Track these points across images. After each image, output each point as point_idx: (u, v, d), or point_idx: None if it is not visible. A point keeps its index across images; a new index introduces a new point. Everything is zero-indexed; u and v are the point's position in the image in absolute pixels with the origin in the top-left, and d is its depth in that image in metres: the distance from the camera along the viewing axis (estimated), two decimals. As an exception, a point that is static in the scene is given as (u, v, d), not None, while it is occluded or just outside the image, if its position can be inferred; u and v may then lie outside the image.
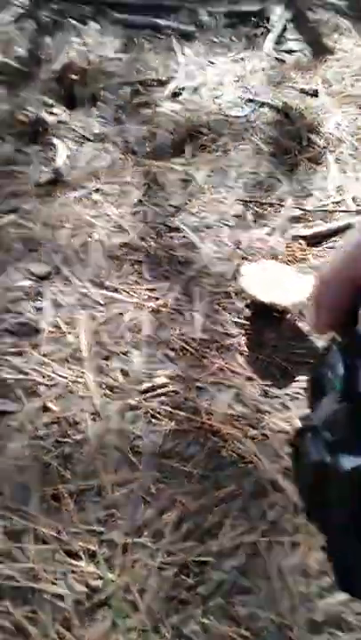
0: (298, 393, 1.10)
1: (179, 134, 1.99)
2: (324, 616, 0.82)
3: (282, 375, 1.14)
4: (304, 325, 1.23)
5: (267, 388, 1.12)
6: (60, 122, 1.95)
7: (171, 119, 2.07)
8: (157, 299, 1.37)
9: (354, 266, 0.20)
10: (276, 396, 1.11)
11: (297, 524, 0.91)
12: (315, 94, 2.01)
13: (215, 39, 2.54)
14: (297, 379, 1.12)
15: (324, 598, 0.83)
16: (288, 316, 1.25)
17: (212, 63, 2.39)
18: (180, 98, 2.20)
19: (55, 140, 1.84)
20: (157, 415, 1.13)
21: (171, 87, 2.26)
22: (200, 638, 0.83)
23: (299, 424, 0.21)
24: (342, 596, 0.83)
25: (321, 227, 1.43)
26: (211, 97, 2.16)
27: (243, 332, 1.24)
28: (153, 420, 1.13)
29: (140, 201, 1.65)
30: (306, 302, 1.25)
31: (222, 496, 0.97)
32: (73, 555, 0.93)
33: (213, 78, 2.27)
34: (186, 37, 2.54)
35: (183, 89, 2.20)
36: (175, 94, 2.26)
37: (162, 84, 2.31)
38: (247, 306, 1.29)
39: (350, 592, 0.19)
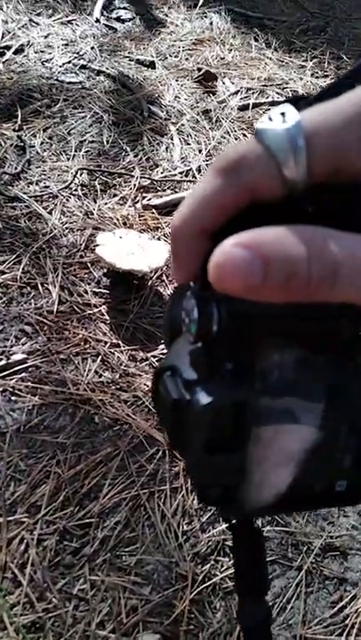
0: (165, 354, 1.27)
1: (5, 97, 2.03)
2: (207, 547, 0.99)
3: (148, 339, 1.30)
4: (165, 290, 1.41)
5: (134, 353, 1.27)
6: None
7: (-6, 80, 2.10)
8: (3, 272, 1.42)
9: (201, 214, 0.22)
10: (144, 359, 1.26)
11: (175, 471, 1.08)
12: (151, 66, 2.22)
13: (36, -3, 2.62)
14: (163, 341, 1.29)
15: (206, 532, 1.01)
16: (148, 282, 1.41)
17: (36, 24, 2.46)
18: (3, 58, 2.23)
19: None
20: (18, 392, 1.20)
21: (-10, 45, 2.28)
22: (90, 594, 0.94)
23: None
24: (222, 526, 1.02)
25: (171, 196, 1.62)
26: (39, 60, 2.24)
27: (103, 301, 1.37)
28: (13, 398, 1.19)
29: (-32, 168, 1.67)
30: (164, 268, 1.43)
31: (100, 459, 1.09)
32: None
33: (39, 40, 2.35)
34: (1, -9, 2.57)
35: (7, 48, 2.24)
36: (-3, 53, 2.29)
37: (-22, 39, 2.31)
38: (106, 275, 1.42)
39: (207, 502, 0.26)
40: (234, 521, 0.29)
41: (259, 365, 0.23)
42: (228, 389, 0.23)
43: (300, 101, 0.23)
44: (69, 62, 2.22)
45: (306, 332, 0.23)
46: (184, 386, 0.24)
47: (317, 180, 0.21)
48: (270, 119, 0.22)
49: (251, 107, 2.04)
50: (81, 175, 1.69)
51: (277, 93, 2.14)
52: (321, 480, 0.26)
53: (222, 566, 0.97)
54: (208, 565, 0.97)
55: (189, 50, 2.37)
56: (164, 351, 1.29)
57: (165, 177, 1.71)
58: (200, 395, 0.23)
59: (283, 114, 0.22)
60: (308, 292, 0.19)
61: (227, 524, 0.29)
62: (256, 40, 2.48)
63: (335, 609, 0.94)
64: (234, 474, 0.24)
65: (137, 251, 1.38)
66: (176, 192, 1.66)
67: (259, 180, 0.21)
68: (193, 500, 1.04)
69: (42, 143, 1.81)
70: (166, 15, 2.62)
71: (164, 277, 1.43)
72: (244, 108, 2.05)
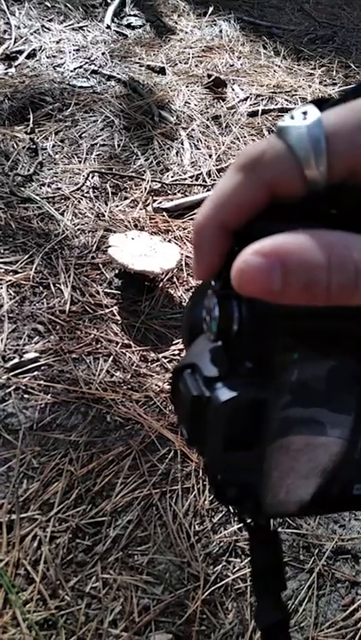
0: (176, 355, 1.27)
1: (18, 100, 2.04)
2: (219, 548, 0.98)
3: (159, 340, 1.29)
4: (175, 292, 1.41)
5: (145, 354, 1.26)
6: None
7: (6, 83, 2.10)
8: (16, 272, 1.42)
9: (222, 211, 0.22)
10: (155, 360, 1.25)
11: (187, 471, 1.07)
12: (162, 72, 2.23)
13: (48, 4, 2.63)
14: (174, 342, 1.28)
15: (218, 533, 1.00)
16: (159, 284, 1.41)
17: (48, 29, 2.47)
18: (16, 62, 2.24)
19: None
20: (31, 390, 1.19)
21: (2, 49, 2.29)
22: (102, 593, 0.93)
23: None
24: (234, 527, 1.01)
25: (181, 200, 1.62)
26: (51, 64, 2.24)
27: (115, 301, 1.37)
28: (26, 396, 1.19)
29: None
30: (175, 270, 1.43)
31: (112, 458, 1.08)
32: None
33: (51, 45, 2.36)
34: (13, -3, 2.59)
35: (19, 52, 2.25)
36: (9, 57, 2.29)
37: (-10, 44, 2.32)
38: (117, 276, 1.42)
39: (222, 501, 0.25)
40: (249, 520, 0.29)
41: (282, 369, 0.23)
42: (248, 387, 0.23)
43: (323, 103, 0.23)
44: (81, 67, 2.23)
45: (326, 332, 0.23)
46: (204, 383, 0.23)
47: (336, 180, 0.21)
48: (292, 117, 0.22)
49: (260, 113, 2.04)
50: (92, 178, 1.69)
51: (286, 100, 2.15)
52: (339, 483, 0.25)
53: (234, 567, 0.96)
54: (220, 566, 0.96)
55: (199, 57, 2.38)
56: (175, 352, 1.29)
57: (176, 181, 1.71)
58: (220, 391, 0.23)
59: (304, 112, 0.21)
60: (328, 298, 0.19)
61: (244, 525, 0.29)
62: (265, 48, 2.48)
63: (347, 612, 0.93)
64: (250, 472, 0.24)
65: (149, 252, 1.38)
66: (186, 195, 1.66)
67: (279, 177, 0.21)
68: (205, 500, 1.03)
69: (53, 146, 1.81)
70: (176, 23, 2.63)
71: (175, 279, 1.43)
72: (253, 114, 2.05)
